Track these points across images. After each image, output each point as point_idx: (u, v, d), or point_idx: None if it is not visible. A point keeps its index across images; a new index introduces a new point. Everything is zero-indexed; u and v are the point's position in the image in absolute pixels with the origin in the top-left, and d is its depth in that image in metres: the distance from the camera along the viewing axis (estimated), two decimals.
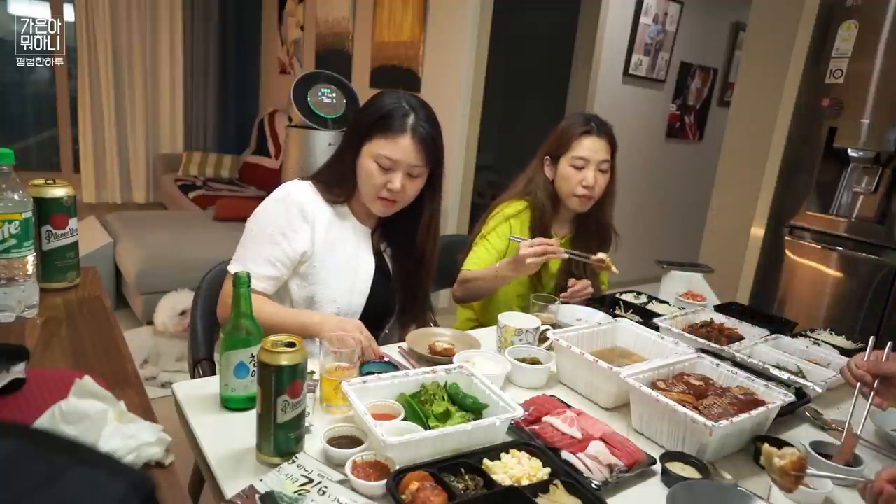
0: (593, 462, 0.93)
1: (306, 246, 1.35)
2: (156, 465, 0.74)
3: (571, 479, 0.88)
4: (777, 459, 0.88)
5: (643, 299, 1.79)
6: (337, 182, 1.39)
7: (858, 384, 1.12)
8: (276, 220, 1.33)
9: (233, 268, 1.33)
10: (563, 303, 1.61)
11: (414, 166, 1.32)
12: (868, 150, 2.30)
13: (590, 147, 1.68)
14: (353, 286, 1.41)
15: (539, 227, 1.72)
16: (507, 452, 0.92)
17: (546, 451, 0.94)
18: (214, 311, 1.37)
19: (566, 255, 1.57)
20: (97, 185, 5.17)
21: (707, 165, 3.93)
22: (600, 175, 1.69)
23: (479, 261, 1.71)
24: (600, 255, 1.59)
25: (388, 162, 1.30)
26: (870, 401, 1.09)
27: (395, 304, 1.54)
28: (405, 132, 1.30)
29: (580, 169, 1.68)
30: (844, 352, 1.47)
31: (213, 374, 1.14)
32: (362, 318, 1.42)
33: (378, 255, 1.48)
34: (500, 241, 1.73)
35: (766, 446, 0.92)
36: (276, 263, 1.32)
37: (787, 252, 2.56)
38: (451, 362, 1.16)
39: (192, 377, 1.41)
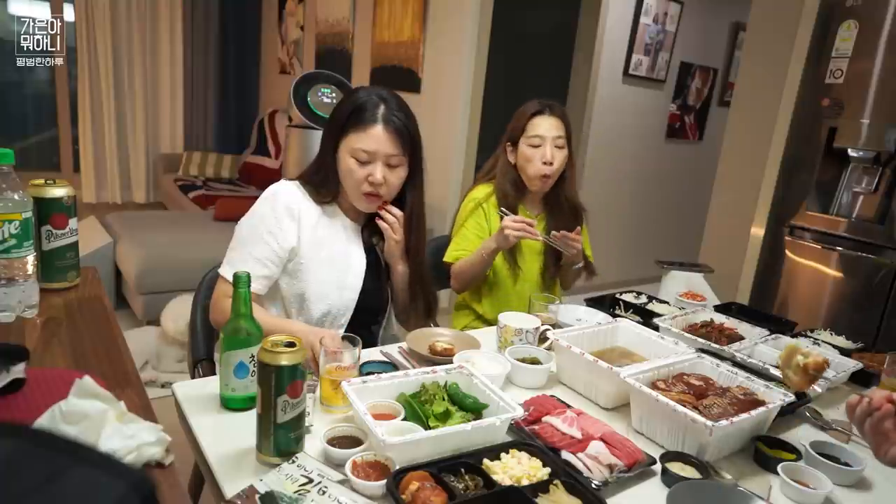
0: (593, 462, 0.93)
1: (294, 242, 1.35)
2: (156, 465, 0.74)
3: (571, 479, 0.88)
4: (800, 357, 0.85)
5: (643, 299, 1.79)
6: (322, 183, 1.40)
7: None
8: (264, 219, 1.34)
9: (224, 271, 1.34)
10: (553, 241, 1.67)
11: (391, 156, 1.33)
12: (868, 150, 2.30)
13: (543, 125, 1.75)
14: (343, 282, 1.41)
15: (506, 209, 1.75)
16: (507, 452, 0.92)
17: (546, 451, 0.94)
18: None
19: (541, 238, 1.70)
20: (97, 185, 5.17)
21: (707, 165, 3.92)
22: (557, 151, 1.75)
23: (458, 249, 1.78)
24: (572, 235, 1.68)
25: (365, 155, 1.32)
26: None
27: (388, 299, 1.54)
28: (377, 122, 1.32)
29: (537, 147, 1.74)
30: (844, 352, 1.47)
31: (213, 374, 1.14)
32: (355, 314, 1.42)
33: (370, 250, 1.48)
34: (476, 226, 1.80)
35: (791, 343, 0.84)
36: (267, 262, 1.33)
37: (787, 252, 2.56)
38: (451, 362, 1.16)
39: (192, 377, 1.41)
